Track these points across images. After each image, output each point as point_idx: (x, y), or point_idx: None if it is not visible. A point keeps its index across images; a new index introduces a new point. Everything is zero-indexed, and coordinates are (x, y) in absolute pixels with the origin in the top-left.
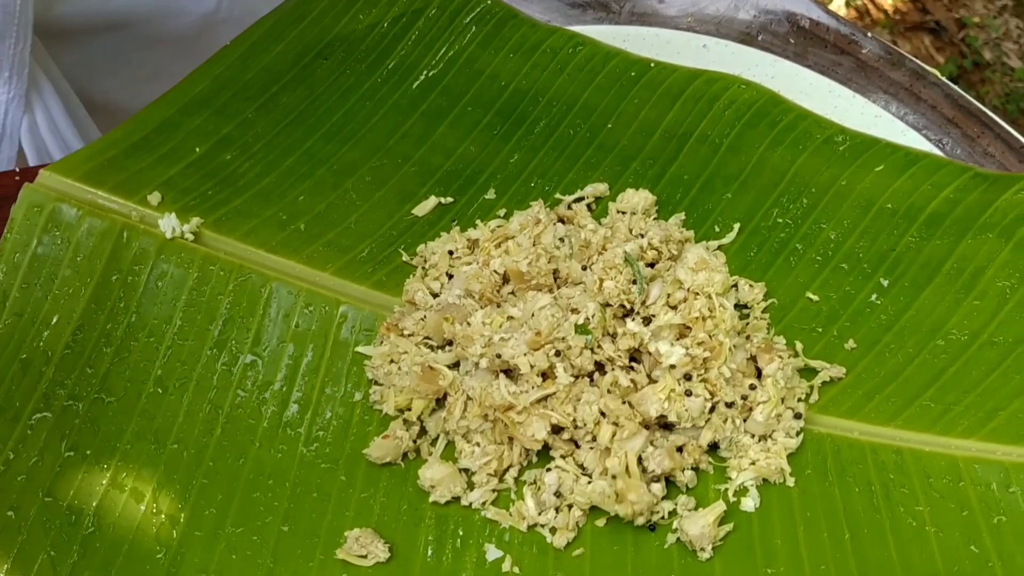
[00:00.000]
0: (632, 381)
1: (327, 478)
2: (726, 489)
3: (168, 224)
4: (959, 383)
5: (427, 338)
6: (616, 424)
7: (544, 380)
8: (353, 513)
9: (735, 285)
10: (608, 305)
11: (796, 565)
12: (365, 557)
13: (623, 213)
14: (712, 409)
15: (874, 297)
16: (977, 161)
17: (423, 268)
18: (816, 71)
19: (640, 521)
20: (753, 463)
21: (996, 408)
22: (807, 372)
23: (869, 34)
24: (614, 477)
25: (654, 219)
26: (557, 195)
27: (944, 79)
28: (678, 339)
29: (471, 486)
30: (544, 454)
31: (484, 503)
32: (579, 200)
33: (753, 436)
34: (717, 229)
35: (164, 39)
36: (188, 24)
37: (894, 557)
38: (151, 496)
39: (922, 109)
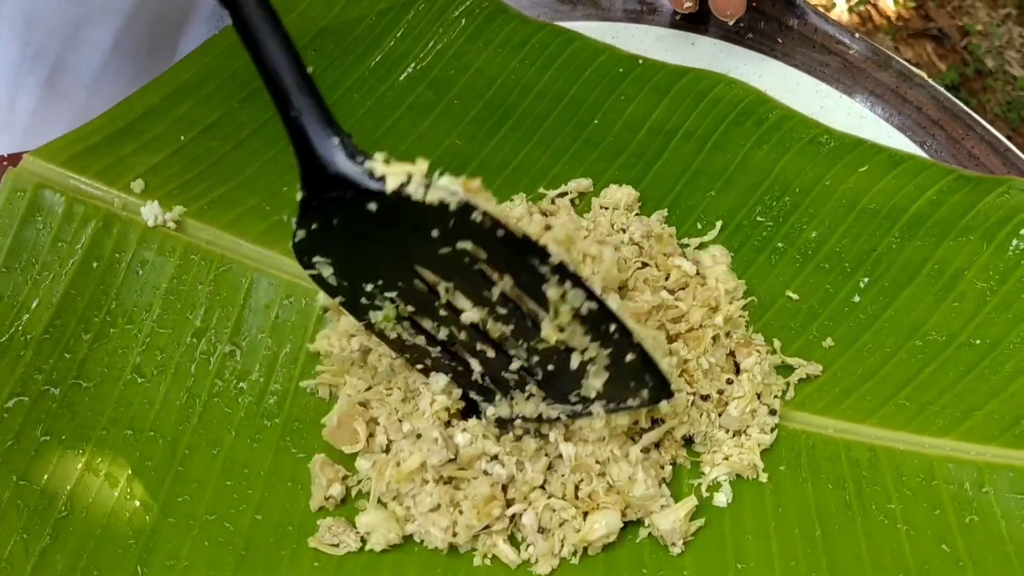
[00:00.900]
0: None
1: (301, 468)
2: (699, 484)
3: (151, 212)
4: (935, 383)
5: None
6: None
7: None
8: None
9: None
10: None
11: (766, 561)
12: (337, 546)
13: (606, 208)
14: (691, 403)
15: (855, 297)
16: (961, 163)
17: None
18: (803, 71)
19: (632, 516)
20: (727, 458)
21: (972, 408)
22: (784, 369)
23: (857, 35)
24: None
25: (636, 215)
26: (540, 190)
27: (930, 80)
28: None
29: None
30: None
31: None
32: (563, 195)
33: (727, 431)
34: (699, 226)
35: None
36: None
37: (865, 554)
38: (125, 482)
39: (908, 111)
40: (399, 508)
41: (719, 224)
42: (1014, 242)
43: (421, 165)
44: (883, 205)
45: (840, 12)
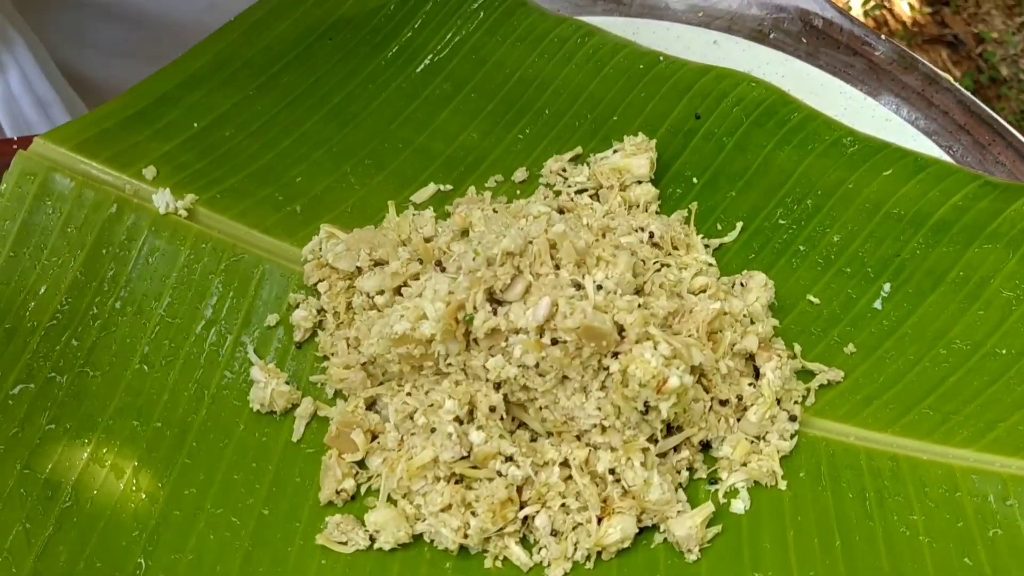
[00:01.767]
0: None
1: (311, 463)
2: (716, 490)
3: (162, 199)
4: (959, 393)
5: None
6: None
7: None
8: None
9: (742, 283)
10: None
11: (784, 570)
12: (345, 544)
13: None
14: (708, 408)
15: (877, 302)
16: (987, 169)
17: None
18: (827, 71)
19: (648, 522)
20: (745, 464)
21: (996, 419)
22: (804, 375)
23: (882, 36)
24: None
25: (656, 213)
26: (557, 187)
27: (957, 84)
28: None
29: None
30: None
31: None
32: (582, 191)
33: (746, 436)
34: (719, 227)
35: (123, 15)
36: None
37: (885, 566)
38: (131, 473)
39: (933, 114)
40: (409, 507)
41: (739, 225)
42: None
43: None
44: (907, 210)
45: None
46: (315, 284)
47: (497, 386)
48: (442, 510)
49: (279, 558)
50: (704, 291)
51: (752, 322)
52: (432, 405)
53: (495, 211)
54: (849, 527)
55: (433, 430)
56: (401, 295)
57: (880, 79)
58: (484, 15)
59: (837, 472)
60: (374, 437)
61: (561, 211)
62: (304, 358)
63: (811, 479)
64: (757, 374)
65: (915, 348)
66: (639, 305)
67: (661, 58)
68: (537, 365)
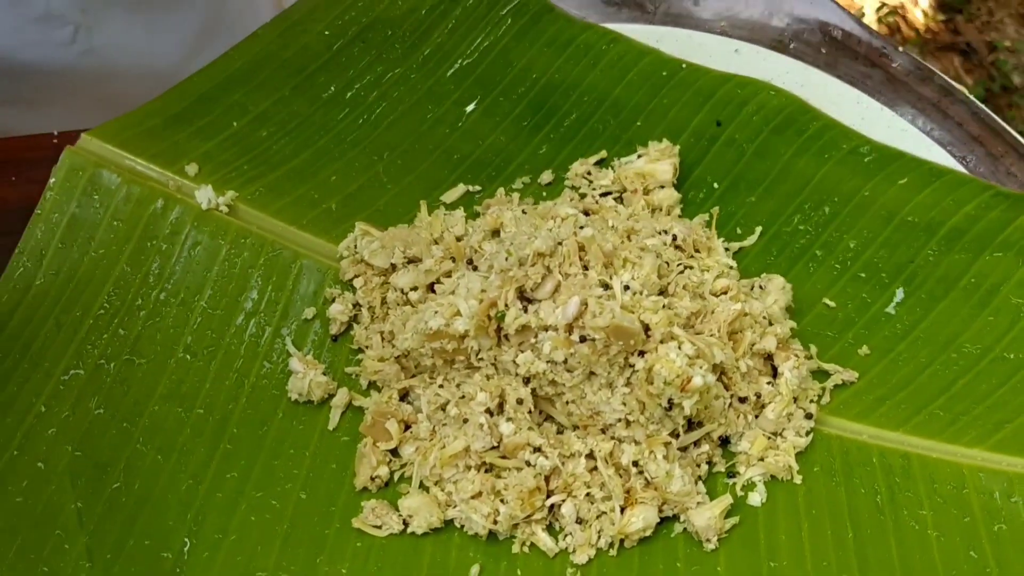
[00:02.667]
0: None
1: (346, 451)
2: (734, 483)
3: (204, 195)
4: (969, 394)
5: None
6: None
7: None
8: None
9: (761, 285)
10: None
11: (799, 560)
12: (380, 528)
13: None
14: (728, 404)
15: (890, 307)
16: (1000, 180)
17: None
18: (846, 82)
19: (669, 512)
20: (762, 459)
21: (1003, 420)
22: (820, 375)
23: (900, 48)
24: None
25: (679, 216)
26: (582, 190)
27: (971, 97)
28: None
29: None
30: None
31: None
32: (606, 194)
33: (764, 432)
34: (739, 231)
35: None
36: None
37: (895, 558)
38: (176, 458)
39: (948, 125)
40: (440, 493)
41: (758, 230)
42: None
43: None
44: (922, 218)
45: (868, 23)
46: (351, 280)
47: (526, 380)
48: (473, 497)
49: (317, 540)
50: (725, 292)
51: (771, 323)
52: (464, 397)
53: (524, 212)
54: (861, 520)
55: (465, 420)
56: (434, 291)
57: (897, 90)
58: (512, 21)
59: (850, 468)
60: (407, 427)
61: (587, 213)
62: (339, 350)
63: (825, 474)
64: (775, 373)
65: (927, 351)
66: (664, 306)
67: (684, 65)
68: (565, 361)
